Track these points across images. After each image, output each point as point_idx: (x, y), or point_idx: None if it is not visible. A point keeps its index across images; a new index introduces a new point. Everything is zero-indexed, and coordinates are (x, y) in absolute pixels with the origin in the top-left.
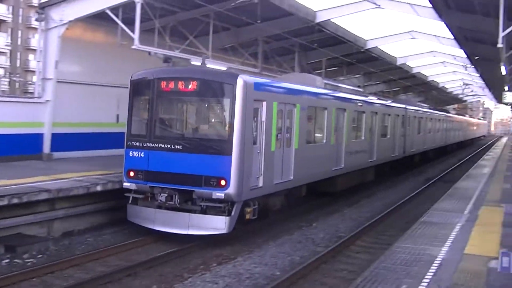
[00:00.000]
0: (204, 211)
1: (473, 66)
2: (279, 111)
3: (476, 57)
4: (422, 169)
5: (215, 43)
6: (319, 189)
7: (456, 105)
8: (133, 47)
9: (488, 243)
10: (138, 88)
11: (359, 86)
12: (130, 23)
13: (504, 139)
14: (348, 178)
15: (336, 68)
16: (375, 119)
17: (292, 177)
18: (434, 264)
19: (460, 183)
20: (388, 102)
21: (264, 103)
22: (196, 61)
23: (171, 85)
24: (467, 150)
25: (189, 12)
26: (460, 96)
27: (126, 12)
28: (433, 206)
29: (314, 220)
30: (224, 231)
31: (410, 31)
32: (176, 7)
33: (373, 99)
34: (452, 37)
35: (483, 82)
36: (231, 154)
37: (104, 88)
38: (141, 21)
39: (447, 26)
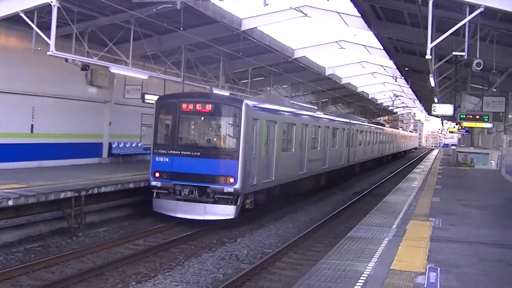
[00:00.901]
0: (216, 202)
1: (403, 77)
2: (266, 127)
3: (406, 68)
4: (350, 182)
5: (136, 51)
6: (287, 190)
7: (386, 117)
8: (49, 53)
9: (416, 258)
10: (163, 108)
11: (286, 97)
12: (46, 27)
13: (435, 152)
14: (308, 182)
15: (262, 78)
16: (327, 132)
17: (273, 178)
18: (360, 281)
19: (389, 197)
20: (337, 117)
21: (258, 121)
22: (116, 69)
23: (191, 106)
24: (398, 162)
25: (109, 17)
26: (391, 108)
27: (41, 16)
28: (361, 221)
29: (238, 235)
30: (232, 217)
31: (339, 41)
32: (95, 11)
33: (325, 115)
34: (382, 47)
35: (413, 94)
36: (238, 159)
37: (17, 96)
38: (58, 26)
39: (376, 36)
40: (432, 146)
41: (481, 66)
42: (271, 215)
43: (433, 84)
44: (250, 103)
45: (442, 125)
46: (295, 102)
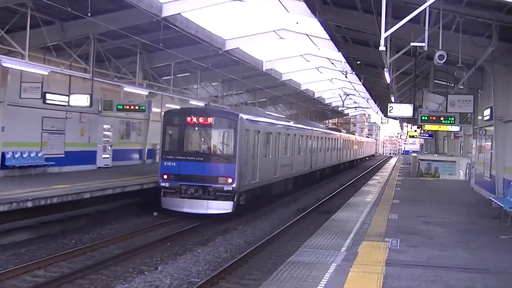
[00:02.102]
0: (216, 199)
1: (354, 73)
2: (253, 136)
3: (358, 62)
4: (294, 197)
5: (35, 41)
6: (263, 193)
7: (336, 120)
8: None
9: (368, 286)
10: (169, 120)
11: (216, 96)
12: None
13: (393, 160)
14: (279, 186)
15: (188, 74)
16: (294, 140)
17: (257, 180)
18: None
19: (338, 213)
20: (302, 125)
21: (249, 131)
22: (9, 63)
23: (195, 119)
24: (350, 173)
25: None
26: (341, 108)
27: None
28: (305, 243)
29: (159, 262)
30: (230, 211)
31: (278, 30)
32: None
33: (292, 123)
34: (328, 37)
35: (366, 92)
36: (235, 163)
37: None
38: None
39: (322, 24)
40: (390, 154)
41: (444, 58)
42: (197, 236)
43: (388, 81)
44: (244, 116)
45: (402, 129)
46: (269, 113)
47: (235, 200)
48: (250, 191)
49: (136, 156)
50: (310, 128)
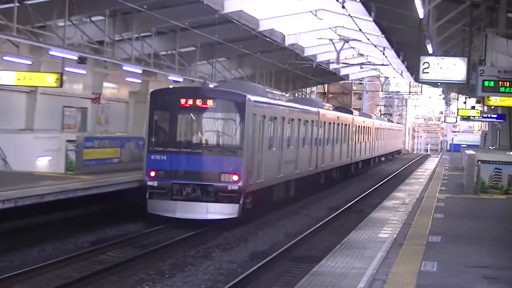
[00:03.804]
0: (217, 201)
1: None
2: (259, 122)
3: None
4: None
5: None
6: (266, 197)
7: (325, 86)
8: None
9: None
10: (158, 103)
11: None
12: None
13: (432, 162)
14: (280, 190)
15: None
16: (299, 127)
17: (262, 180)
18: None
19: (328, 262)
20: (305, 106)
21: (256, 116)
22: None
23: (190, 101)
24: (353, 184)
25: None
26: (335, 67)
27: None
28: None
29: None
30: (236, 216)
31: None
32: None
33: (293, 103)
34: None
35: (382, 37)
36: (242, 156)
37: None
38: None
39: None
40: (425, 150)
41: None
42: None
43: (421, 13)
44: (252, 98)
45: (447, 105)
46: (269, 90)
47: (240, 202)
48: (256, 193)
49: None
50: (315, 109)
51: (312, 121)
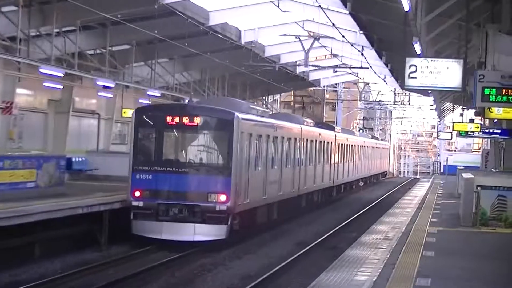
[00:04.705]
0: (205, 221)
1: None
2: (247, 140)
3: None
4: None
5: None
6: (251, 218)
7: (291, 94)
8: None
9: None
10: (143, 120)
11: None
12: None
13: (421, 188)
14: (263, 212)
15: None
16: (282, 145)
17: (249, 200)
18: None
19: None
20: (288, 122)
21: (243, 134)
22: None
23: (176, 119)
24: (324, 215)
25: None
26: (302, 69)
27: None
28: None
29: None
30: (224, 237)
31: None
32: None
33: (276, 120)
34: None
35: (360, 33)
36: (230, 176)
37: None
38: None
39: None
40: (414, 173)
41: None
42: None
43: (407, 5)
44: (240, 115)
45: (439, 117)
46: (253, 107)
47: (229, 223)
48: (243, 214)
49: None
50: (298, 126)
51: (295, 139)
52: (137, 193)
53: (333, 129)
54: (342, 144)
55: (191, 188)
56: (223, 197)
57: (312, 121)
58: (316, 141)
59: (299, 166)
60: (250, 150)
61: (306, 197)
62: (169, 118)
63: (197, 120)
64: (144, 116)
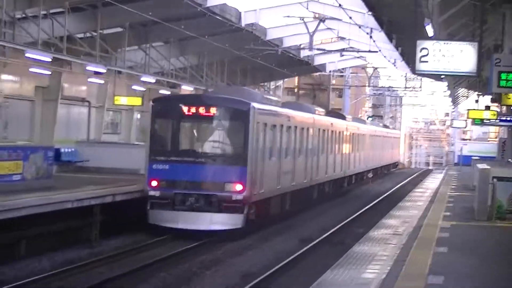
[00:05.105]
0: (221, 211)
1: None
2: (262, 130)
3: None
4: None
5: None
6: (266, 208)
7: (295, 79)
8: None
9: None
10: (160, 111)
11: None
12: None
13: (433, 180)
14: (277, 203)
15: None
16: (295, 135)
17: (263, 190)
18: None
19: None
20: (301, 111)
21: (259, 124)
22: None
23: (194, 109)
24: (332, 210)
25: None
26: (307, 53)
27: None
28: None
29: None
30: (240, 226)
31: None
32: None
33: (289, 110)
34: None
35: (368, 14)
36: (246, 165)
37: None
38: None
39: None
40: (426, 164)
41: None
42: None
43: None
44: (256, 105)
45: (453, 104)
46: (267, 96)
47: (245, 212)
48: (258, 204)
49: None
50: (310, 115)
51: (307, 129)
52: (154, 183)
53: (344, 118)
54: (353, 134)
55: (208, 178)
56: (239, 187)
57: (323, 110)
58: (328, 130)
59: (312, 156)
60: (265, 140)
61: (317, 188)
62: (185, 109)
63: (214, 110)
64: (161, 106)
